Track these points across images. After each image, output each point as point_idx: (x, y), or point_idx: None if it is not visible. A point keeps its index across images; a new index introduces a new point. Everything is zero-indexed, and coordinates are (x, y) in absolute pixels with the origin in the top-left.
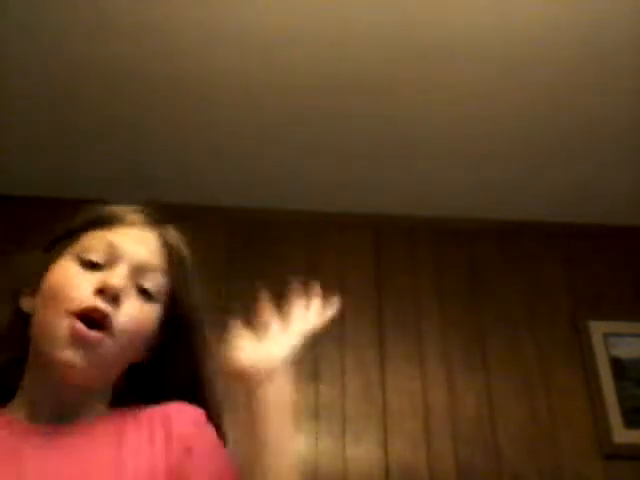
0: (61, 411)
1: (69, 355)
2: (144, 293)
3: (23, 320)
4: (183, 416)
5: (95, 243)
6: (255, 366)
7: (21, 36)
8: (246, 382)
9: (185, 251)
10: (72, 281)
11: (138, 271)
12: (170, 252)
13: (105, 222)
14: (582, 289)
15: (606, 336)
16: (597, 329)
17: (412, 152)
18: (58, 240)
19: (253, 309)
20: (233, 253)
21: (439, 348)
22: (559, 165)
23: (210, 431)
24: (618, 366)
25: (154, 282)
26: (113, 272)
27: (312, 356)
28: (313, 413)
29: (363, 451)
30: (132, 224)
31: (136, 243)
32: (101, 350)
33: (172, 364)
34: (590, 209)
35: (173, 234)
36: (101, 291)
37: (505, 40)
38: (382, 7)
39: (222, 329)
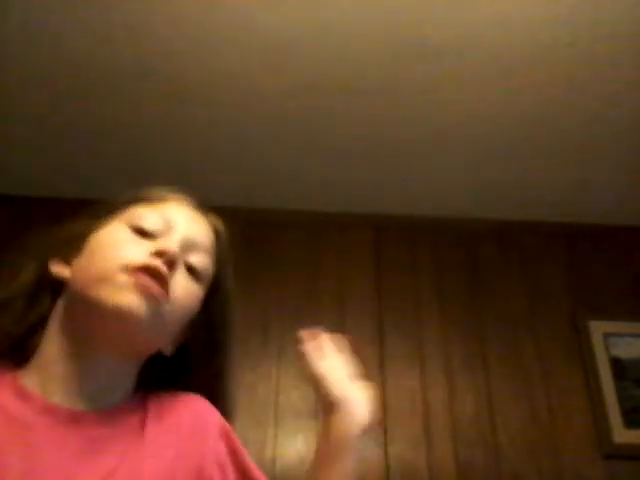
0: (82, 390)
1: (135, 301)
2: (191, 271)
3: (46, 287)
4: (213, 416)
5: (148, 213)
6: (332, 384)
7: (21, 36)
8: (324, 395)
9: (229, 242)
10: (124, 243)
11: (189, 247)
12: (218, 238)
13: (155, 199)
14: (582, 289)
15: (606, 336)
16: (597, 329)
17: (412, 152)
18: (103, 210)
19: (252, 309)
20: (233, 253)
21: (439, 348)
22: (559, 165)
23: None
24: (618, 366)
25: (202, 261)
26: (169, 239)
27: None
28: (313, 413)
29: (363, 451)
30: (180, 203)
31: (189, 220)
32: (163, 310)
33: (199, 356)
34: (590, 209)
35: (220, 223)
36: (159, 254)
37: (505, 40)
38: (382, 7)
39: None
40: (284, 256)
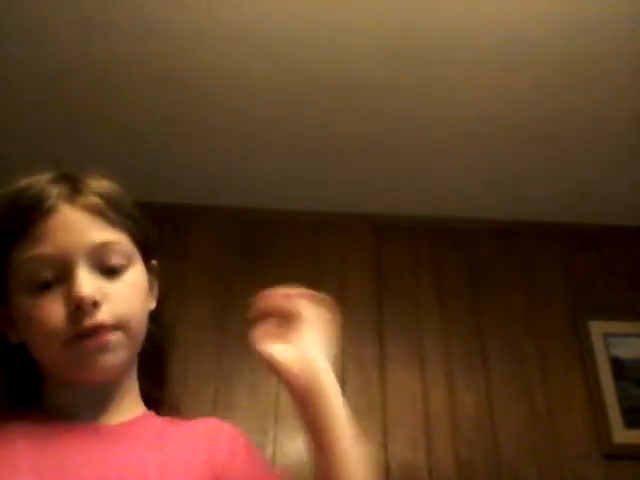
0: (98, 409)
1: (101, 360)
2: (114, 270)
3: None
4: (228, 426)
5: (34, 266)
6: (295, 366)
7: (20, 37)
8: (292, 382)
9: (116, 192)
10: (42, 316)
11: (96, 257)
12: (108, 205)
13: (24, 227)
14: (582, 289)
15: (606, 336)
16: (597, 329)
17: (412, 152)
18: None
19: (253, 309)
20: (233, 253)
21: (439, 348)
22: (559, 165)
23: (248, 442)
24: (618, 366)
25: (118, 253)
26: (73, 282)
27: None
28: None
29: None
30: (53, 210)
31: (73, 232)
32: (122, 338)
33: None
34: (590, 209)
35: (97, 185)
36: (77, 308)
37: (505, 40)
38: (382, 7)
39: (221, 329)
40: (284, 256)
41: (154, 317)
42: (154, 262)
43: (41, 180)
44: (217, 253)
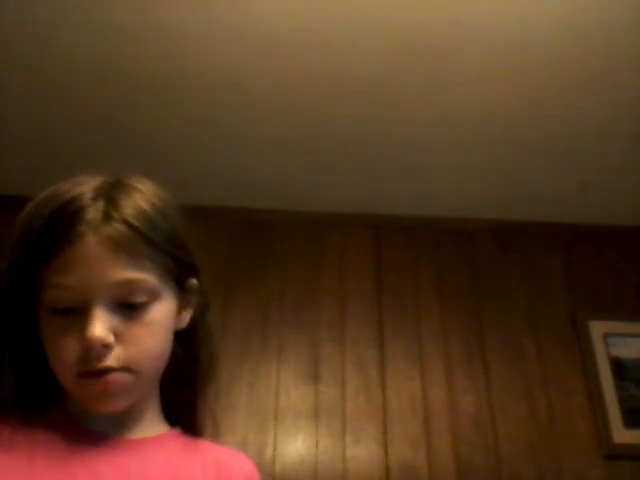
0: (117, 422)
1: (104, 404)
2: (134, 307)
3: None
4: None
5: (57, 294)
6: None
7: (20, 37)
8: None
9: (152, 215)
10: (59, 346)
11: (116, 294)
12: (137, 236)
13: (55, 248)
14: (582, 289)
15: (606, 336)
16: (597, 329)
17: (412, 152)
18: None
19: (252, 309)
20: (233, 253)
21: (439, 348)
22: (559, 165)
23: None
24: (618, 366)
25: (140, 290)
26: (87, 322)
27: (312, 356)
28: (313, 413)
29: (363, 451)
30: (79, 238)
31: (94, 268)
32: (132, 381)
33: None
34: (590, 209)
35: (131, 207)
36: (89, 348)
37: (505, 40)
38: (382, 7)
39: (222, 328)
40: (284, 256)
41: (184, 336)
42: (194, 281)
43: (85, 194)
44: (217, 253)
